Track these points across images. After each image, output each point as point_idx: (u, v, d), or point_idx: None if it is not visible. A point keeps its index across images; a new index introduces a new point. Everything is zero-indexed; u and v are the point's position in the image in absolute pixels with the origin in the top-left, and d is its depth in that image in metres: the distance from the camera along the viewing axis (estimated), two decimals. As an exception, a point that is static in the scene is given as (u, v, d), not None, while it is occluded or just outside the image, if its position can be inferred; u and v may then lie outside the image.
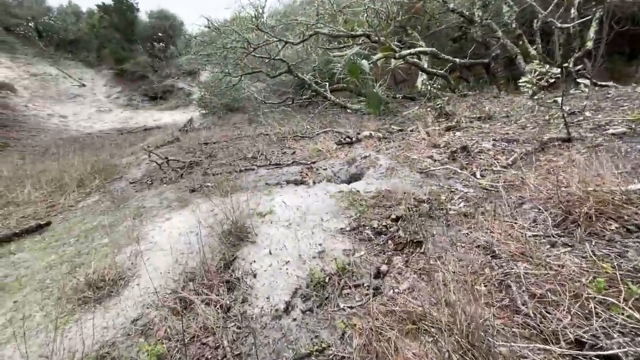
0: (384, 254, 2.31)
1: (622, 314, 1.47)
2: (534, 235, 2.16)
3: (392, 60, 6.75)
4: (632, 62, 7.71)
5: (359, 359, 1.57)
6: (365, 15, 5.56)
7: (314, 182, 3.69)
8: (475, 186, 2.96)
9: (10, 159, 8.65)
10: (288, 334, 1.80)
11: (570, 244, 2.02)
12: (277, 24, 6.85)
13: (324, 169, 4.14)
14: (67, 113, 16.26)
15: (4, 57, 18.36)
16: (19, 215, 4.55)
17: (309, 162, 4.51)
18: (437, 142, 4.09)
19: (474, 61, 6.69)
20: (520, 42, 6.62)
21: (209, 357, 1.73)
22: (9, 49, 18.96)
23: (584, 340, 1.42)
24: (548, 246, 2.06)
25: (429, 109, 5.89)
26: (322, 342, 1.70)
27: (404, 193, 3.00)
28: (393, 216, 2.65)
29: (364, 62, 6.62)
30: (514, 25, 6.65)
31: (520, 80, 3.35)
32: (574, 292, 1.63)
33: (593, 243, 1.96)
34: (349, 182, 4.06)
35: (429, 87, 7.01)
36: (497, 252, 2.05)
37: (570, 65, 4.32)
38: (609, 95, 4.40)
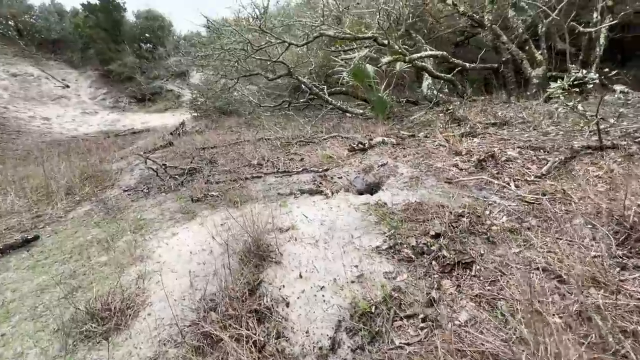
0: (430, 277, 2.07)
1: None
2: (597, 256, 1.96)
3: (397, 63, 6.58)
4: (624, 69, 7.80)
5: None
6: (378, 16, 5.37)
7: (332, 193, 3.43)
8: (512, 198, 2.76)
9: (-11, 164, 8.09)
10: (339, 379, 1.53)
11: (643, 266, 1.83)
12: (279, 24, 6.61)
13: (339, 178, 3.89)
14: (50, 115, 15.55)
15: (-18, 55, 17.52)
16: (1, 227, 4.13)
17: (320, 170, 4.26)
18: (458, 150, 3.90)
19: (483, 65, 6.58)
20: (527, 47, 6.55)
21: (248, 410, 1.45)
22: (-13, 48, 18.11)
23: None
24: (618, 269, 1.86)
25: (440, 114, 5.72)
26: (382, 390, 1.45)
27: (437, 206, 2.78)
28: (432, 233, 2.41)
29: (368, 66, 6.44)
30: (520, 30, 6.59)
31: (551, 86, 3.18)
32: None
33: (670, 266, 1.77)
34: (366, 191, 3.82)
35: (434, 92, 6.87)
36: (562, 276, 1.84)
37: (605, 71, 4.23)
38: (629, 101, 4.32)
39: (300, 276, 2.16)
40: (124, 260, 2.79)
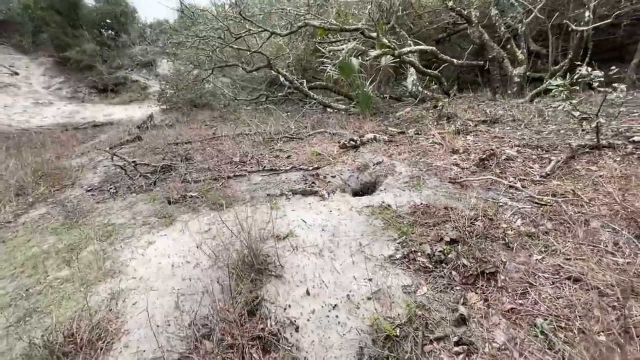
0: (453, 289, 1.86)
1: None
2: (627, 263, 1.84)
3: (383, 58, 6.40)
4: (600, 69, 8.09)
5: None
6: (370, 6, 5.12)
7: (328, 194, 3.17)
8: (522, 199, 2.63)
9: None
10: None
11: (678, 274, 1.72)
12: (260, 12, 6.19)
13: (332, 177, 3.63)
14: (-4, 105, 14.03)
15: None
16: None
17: (311, 168, 3.97)
18: (455, 148, 3.76)
19: (470, 62, 6.55)
20: (509, 46, 6.60)
21: None
22: None
23: None
24: (652, 277, 1.74)
25: (429, 111, 5.60)
26: None
27: (445, 208, 2.59)
28: (447, 238, 2.22)
29: (353, 59, 6.21)
30: (502, 29, 6.61)
31: (553, 83, 3.09)
32: None
33: None
34: (363, 191, 3.59)
35: (419, 88, 6.77)
36: (599, 287, 1.70)
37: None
38: (613, 101, 4.39)
39: (308, 293, 1.88)
40: (91, 276, 2.37)
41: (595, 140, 3.37)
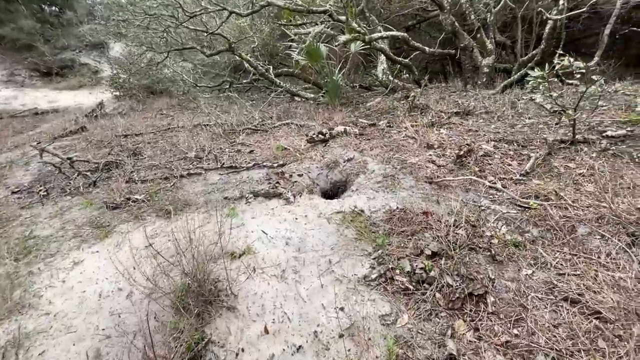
0: (438, 316, 1.60)
1: None
2: (624, 278, 1.66)
3: (353, 44, 6.03)
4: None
5: None
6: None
7: (294, 196, 2.81)
8: (504, 201, 2.43)
9: None
10: None
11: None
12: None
13: (299, 175, 3.27)
14: None
15: None
16: None
17: (275, 165, 3.58)
18: (429, 142, 3.52)
19: (442, 51, 6.35)
20: (478, 35, 6.47)
21: None
22: None
23: None
24: (651, 295, 1.57)
25: (401, 101, 5.35)
26: None
27: (424, 214, 2.33)
28: (427, 251, 1.95)
29: (321, 45, 5.79)
30: (472, 17, 6.46)
31: (532, 75, 2.90)
32: None
33: None
34: (332, 191, 3.27)
35: (389, 77, 6.50)
36: (599, 310, 1.49)
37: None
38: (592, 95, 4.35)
39: (266, 330, 1.53)
40: (-8, 312, 1.87)
41: (570, 135, 3.26)
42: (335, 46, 4.98)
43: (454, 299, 1.65)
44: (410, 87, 5.96)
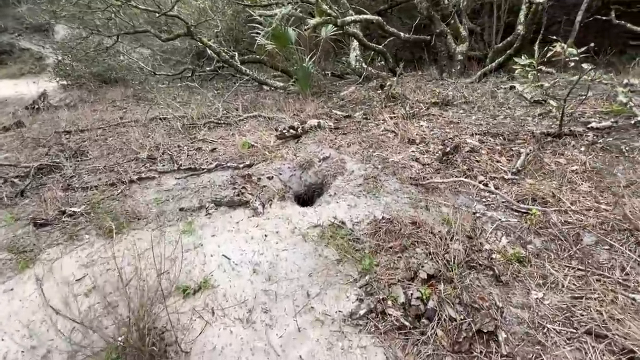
0: (442, 362, 1.31)
1: None
2: (645, 300, 1.45)
3: (323, 28, 5.60)
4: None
5: None
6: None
7: (263, 205, 2.42)
8: (500, 206, 2.18)
9: None
10: None
11: None
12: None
13: (269, 178, 2.87)
14: None
15: None
16: None
17: (241, 166, 3.15)
18: (411, 137, 3.23)
19: (417, 37, 6.06)
20: (452, 21, 6.24)
21: None
22: None
23: None
24: (680, 321, 1.36)
25: (375, 91, 5.02)
26: None
27: (412, 224, 2.03)
28: (422, 274, 1.65)
29: (289, 29, 5.31)
30: (446, 1, 6.21)
31: (519, 63, 2.66)
32: None
33: None
34: (307, 195, 2.91)
35: (363, 65, 6.15)
36: (628, 345, 1.26)
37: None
38: (557, 84, 4.24)
39: (228, 403, 1.17)
40: None
41: (555, 127, 3.09)
42: (305, 30, 4.54)
43: (460, 339, 1.36)
44: (385, 76, 5.65)
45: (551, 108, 3.19)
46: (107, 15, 6.24)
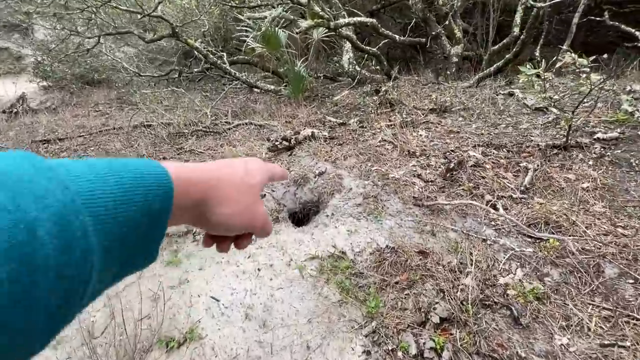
0: None
1: None
2: (682, 348, 1.31)
3: (315, 30, 5.40)
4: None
5: None
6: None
7: (255, 230, 2.22)
8: (512, 231, 2.03)
9: None
10: None
11: None
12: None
13: (261, 196, 2.67)
14: None
15: None
16: None
17: (231, 182, 2.95)
18: (410, 149, 3.07)
19: (412, 39, 5.90)
20: (446, 22, 6.10)
21: None
22: None
23: None
24: None
25: (372, 97, 4.85)
26: None
27: (419, 253, 1.87)
28: (434, 318, 1.49)
29: (280, 31, 5.10)
30: (440, 1, 6.06)
31: (525, 73, 2.51)
32: None
33: None
34: (302, 214, 2.73)
35: (356, 68, 5.97)
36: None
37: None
38: (559, 90, 4.14)
39: None
40: None
41: (560, 137, 2.97)
42: (296, 33, 4.34)
43: (482, 401, 1.20)
44: (379, 79, 5.49)
45: (555, 116, 3.06)
46: (86, 15, 5.91)
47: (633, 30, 5.50)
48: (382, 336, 1.44)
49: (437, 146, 3.18)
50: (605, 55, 2.29)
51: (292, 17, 5.36)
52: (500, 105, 3.92)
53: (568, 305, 1.55)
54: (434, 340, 1.40)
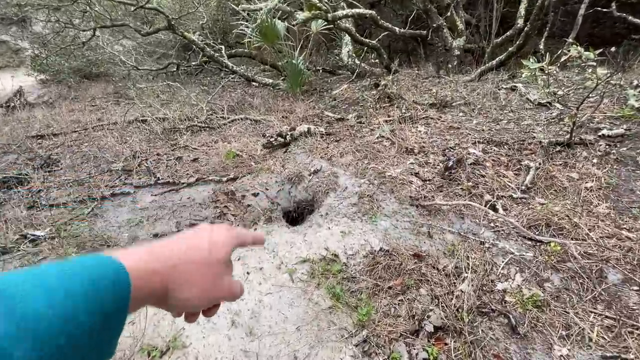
0: None
1: None
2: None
3: (313, 23, 5.27)
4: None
5: None
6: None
7: (247, 229, 2.15)
8: (511, 233, 1.96)
9: None
10: None
11: None
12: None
13: (255, 195, 2.61)
14: None
15: None
16: None
17: (225, 179, 2.88)
18: (409, 145, 2.98)
19: (413, 32, 5.76)
20: (449, 14, 5.95)
21: None
22: None
23: None
24: None
25: (371, 91, 4.75)
26: None
27: (413, 256, 1.80)
28: (428, 326, 1.42)
29: (278, 23, 4.98)
30: (442, -8, 5.90)
31: (529, 67, 2.41)
32: None
33: None
34: (296, 213, 2.66)
35: (356, 61, 5.85)
36: None
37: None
38: (563, 84, 4.02)
39: None
40: None
41: (564, 134, 2.88)
42: (294, 25, 4.23)
43: (476, 418, 1.14)
44: (379, 73, 5.37)
45: (559, 112, 2.96)
46: (80, 7, 5.80)
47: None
48: (373, 346, 1.38)
49: (436, 143, 3.09)
50: (613, 49, 2.16)
51: (289, 9, 5.23)
52: (502, 100, 3.82)
53: (569, 313, 1.48)
54: (427, 351, 1.34)
